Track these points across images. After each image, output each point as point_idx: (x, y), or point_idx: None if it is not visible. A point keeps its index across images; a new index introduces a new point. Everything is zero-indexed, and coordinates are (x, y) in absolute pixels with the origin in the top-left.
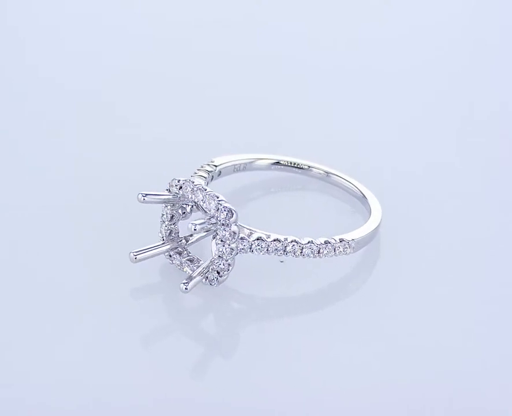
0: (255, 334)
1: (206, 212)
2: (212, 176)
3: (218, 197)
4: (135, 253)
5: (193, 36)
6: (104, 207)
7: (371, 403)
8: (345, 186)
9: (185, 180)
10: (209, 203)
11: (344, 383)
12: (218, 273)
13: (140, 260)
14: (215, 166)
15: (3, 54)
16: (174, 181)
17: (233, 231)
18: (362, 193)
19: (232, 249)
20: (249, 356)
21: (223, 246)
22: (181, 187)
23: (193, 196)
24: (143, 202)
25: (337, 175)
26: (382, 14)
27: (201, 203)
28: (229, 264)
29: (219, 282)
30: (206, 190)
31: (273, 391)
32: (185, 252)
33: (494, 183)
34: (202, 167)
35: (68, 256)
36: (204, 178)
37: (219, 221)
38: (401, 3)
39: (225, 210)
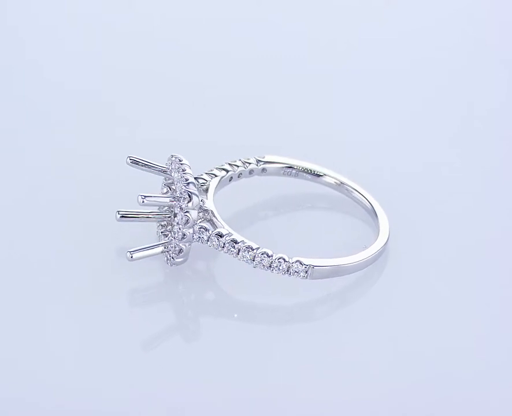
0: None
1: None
2: (251, 170)
3: (187, 180)
4: (121, 213)
5: (193, 36)
6: (102, 206)
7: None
8: (357, 199)
9: (176, 157)
10: (178, 184)
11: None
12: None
13: (124, 220)
14: (262, 162)
15: (3, 53)
16: (170, 155)
17: (187, 218)
18: (373, 209)
19: (184, 234)
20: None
21: (178, 229)
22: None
23: (173, 174)
24: (130, 165)
25: (350, 186)
26: (382, 14)
27: (176, 183)
28: (180, 249)
29: (174, 264)
30: (184, 171)
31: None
32: (169, 227)
33: (496, 183)
34: (248, 159)
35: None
36: (235, 167)
37: (179, 203)
38: (401, 2)
39: (184, 194)
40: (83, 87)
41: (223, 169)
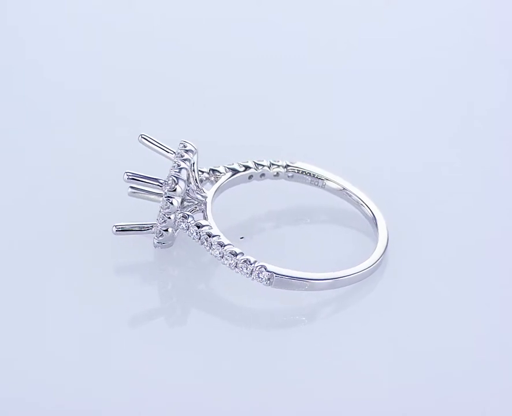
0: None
1: None
2: (278, 173)
3: (178, 166)
4: (129, 174)
5: (193, 36)
6: (102, 206)
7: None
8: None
9: (183, 143)
10: (170, 169)
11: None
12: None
13: (129, 182)
14: (291, 167)
15: (3, 53)
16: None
17: (167, 203)
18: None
19: (165, 218)
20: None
21: (159, 212)
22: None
23: (174, 158)
24: (141, 142)
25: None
26: (382, 14)
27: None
28: (161, 233)
29: (157, 246)
30: (182, 157)
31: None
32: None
33: (496, 183)
34: (277, 161)
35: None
36: (260, 166)
37: (164, 187)
38: (401, 2)
39: (169, 179)
40: (83, 87)
41: (245, 166)
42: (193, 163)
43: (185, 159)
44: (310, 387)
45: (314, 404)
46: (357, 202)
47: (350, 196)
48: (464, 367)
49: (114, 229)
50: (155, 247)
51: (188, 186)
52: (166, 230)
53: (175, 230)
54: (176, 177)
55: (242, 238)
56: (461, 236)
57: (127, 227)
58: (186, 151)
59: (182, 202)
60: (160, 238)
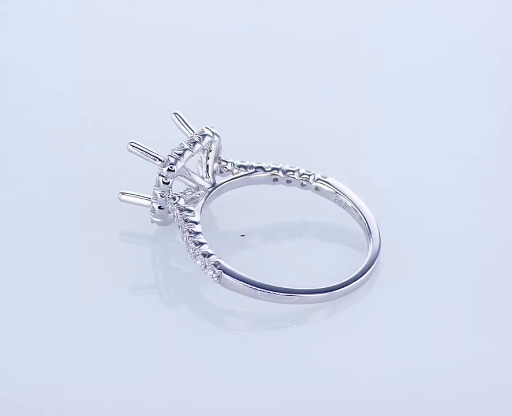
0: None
1: None
2: (305, 183)
3: (181, 147)
4: (132, 144)
5: (193, 36)
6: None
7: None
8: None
9: (203, 129)
10: (172, 149)
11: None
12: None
13: (134, 152)
14: (319, 180)
15: (3, 53)
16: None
17: (159, 181)
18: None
19: (156, 196)
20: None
21: (153, 189)
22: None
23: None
24: (172, 119)
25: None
26: (381, 18)
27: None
28: (153, 210)
29: (153, 222)
30: (191, 141)
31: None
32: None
33: (495, 190)
34: (308, 172)
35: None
36: (289, 172)
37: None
38: (401, 5)
39: (166, 157)
40: (83, 87)
41: (273, 167)
42: (209, 150)
43: (194, 142)
44: (302, 389)
45: (308, 405)
46: (360, 217)
47: (361, 218)
48: (464, 367)
49: (120, 195)
50: (152, 222)
51: (187, 169)
52: (161, 208)
53: (169, 210)
54: (174, 158)
55: (243, 235)
56: (459, 241)
57: (130, 197)
58: (202, 136)
59: (198, 188)
60: (152, 214)
